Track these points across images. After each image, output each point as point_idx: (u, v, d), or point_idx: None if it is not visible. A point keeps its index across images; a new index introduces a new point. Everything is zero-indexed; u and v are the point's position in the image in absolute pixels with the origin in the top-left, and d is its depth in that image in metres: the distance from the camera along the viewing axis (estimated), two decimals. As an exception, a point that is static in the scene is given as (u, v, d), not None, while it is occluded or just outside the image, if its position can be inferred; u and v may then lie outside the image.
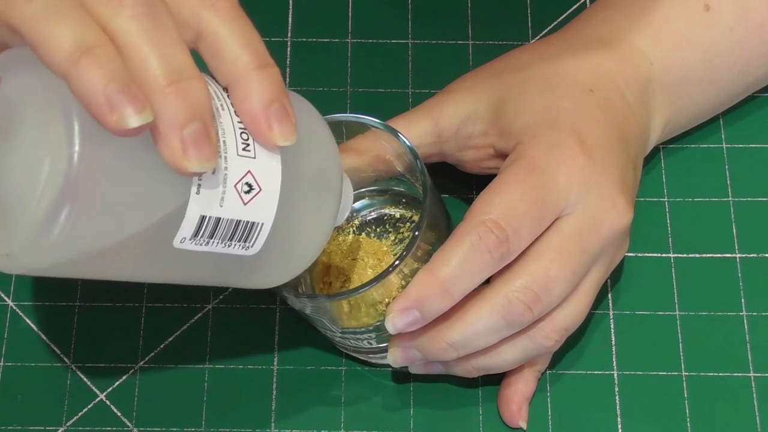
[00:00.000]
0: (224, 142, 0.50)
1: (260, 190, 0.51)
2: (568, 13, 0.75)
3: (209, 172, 0.49)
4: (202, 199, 0.50)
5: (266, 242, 0.53)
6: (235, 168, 0.50)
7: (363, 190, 0.66)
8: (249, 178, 0.51)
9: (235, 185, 0.50)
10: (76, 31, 0.46)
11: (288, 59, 0.74)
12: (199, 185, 0.50)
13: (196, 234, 0.51)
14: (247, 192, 0.51)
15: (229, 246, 0.52)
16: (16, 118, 0.49)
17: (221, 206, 0.50)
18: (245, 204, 0.51)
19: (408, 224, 0.66)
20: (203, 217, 0.50)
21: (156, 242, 0.51)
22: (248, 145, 0.51)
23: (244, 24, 0.50)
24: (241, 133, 0.50)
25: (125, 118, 0.45)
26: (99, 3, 0.47)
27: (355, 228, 0.66)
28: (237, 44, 0.50)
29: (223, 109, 0.50)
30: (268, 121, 0.50)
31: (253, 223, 0.52)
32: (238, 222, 0.51)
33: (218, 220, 0.51)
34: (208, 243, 0.51)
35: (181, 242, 0.51)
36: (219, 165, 0.50)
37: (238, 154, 0.50)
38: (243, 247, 0.52)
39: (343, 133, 0.62)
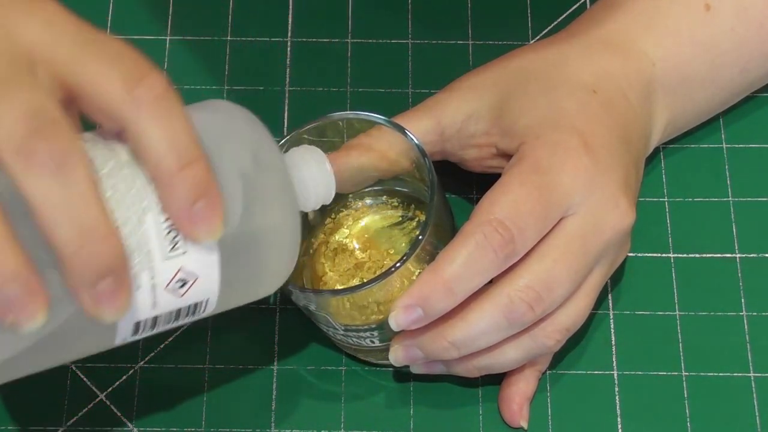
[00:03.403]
0: (149, 252, 0.49)
1: (196, 278, 0.51)
2: (568, 13, 0.75)
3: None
4: (132, 311, 0.49)
5: (219, 299, 0.52)
6: (163, 273, 0.50)
7: (366, 189, 0.66)
8: (181, 275, 0.50)
9: (165, 287, 0.50)
10: None
11: (288, 59, 0.74)
12: None
13: (135, 333, 0.51)
14: (182, 286, 0.50)
15: (177, 322, 0.52)
16: None
17: (154, 308, 0.50)
18: (182, 296, 0.51)
19: (412, 224, 0.65)
20: (138, 322, 0.50)
21: (100, 342, 0.51)
22: (176, 244, 0.50)
23: (168, 117, 0.48)
24: (169, 231, 0.50)
25: (18, 321, 0.45)
26: (8, 154, 0.45)
27: (360, 227, 0.66)
28: (159, 146, 0.48)
29: (148, 210, 0.49)
30: (192, 222, 0.49)
31: (197, 303, 0.52)
32: (179, 309, 0.51)
33: (155, 317, 0.51)
34: (153, 330, 0.51)
35: (123, 340, 0.51)
36: (142, 281, 0.49)
37: (165, 258, 0.49)
38: (193, 317, 0.52)
39: (343, 133, 0.62)
